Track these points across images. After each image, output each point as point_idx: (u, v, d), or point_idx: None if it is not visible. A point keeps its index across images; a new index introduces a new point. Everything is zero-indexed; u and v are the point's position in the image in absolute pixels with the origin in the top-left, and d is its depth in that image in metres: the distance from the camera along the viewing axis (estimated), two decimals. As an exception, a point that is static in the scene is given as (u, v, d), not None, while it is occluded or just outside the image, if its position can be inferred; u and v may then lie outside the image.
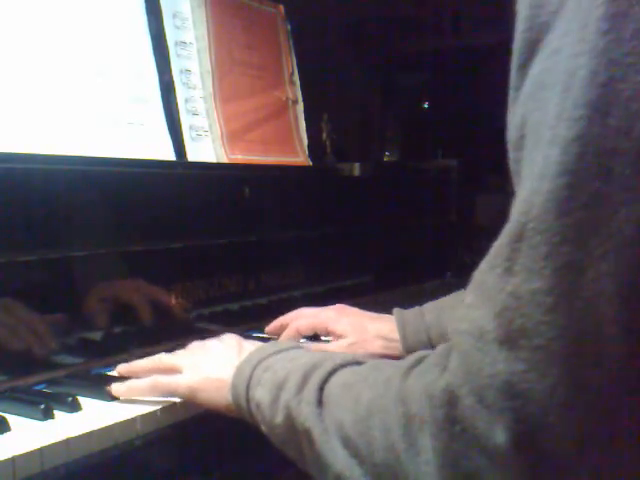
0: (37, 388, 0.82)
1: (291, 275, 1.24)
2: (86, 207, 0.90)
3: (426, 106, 2.90)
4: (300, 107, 1.45)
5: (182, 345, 0.99)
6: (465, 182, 1.74)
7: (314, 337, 1.07)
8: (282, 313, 1.19)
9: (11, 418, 0.70)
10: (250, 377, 0.71)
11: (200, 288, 1.05)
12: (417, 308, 1.02)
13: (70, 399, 0.74)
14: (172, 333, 1.00)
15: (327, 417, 0.62)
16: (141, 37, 1.15)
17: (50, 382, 0.84)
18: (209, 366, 0.77)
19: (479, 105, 2.78)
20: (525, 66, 0.50)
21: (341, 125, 1.74)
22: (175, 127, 1.17)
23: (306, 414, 0.63)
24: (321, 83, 1.91)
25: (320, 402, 0.64)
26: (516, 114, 0.51)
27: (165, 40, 1.19)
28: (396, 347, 0.99)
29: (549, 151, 0.46)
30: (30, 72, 0.97)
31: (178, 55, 1.21)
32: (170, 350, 0.97)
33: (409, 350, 0.97)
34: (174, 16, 1.22)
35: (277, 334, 1.07)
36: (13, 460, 0.62)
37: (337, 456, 0.60)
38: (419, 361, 0.58)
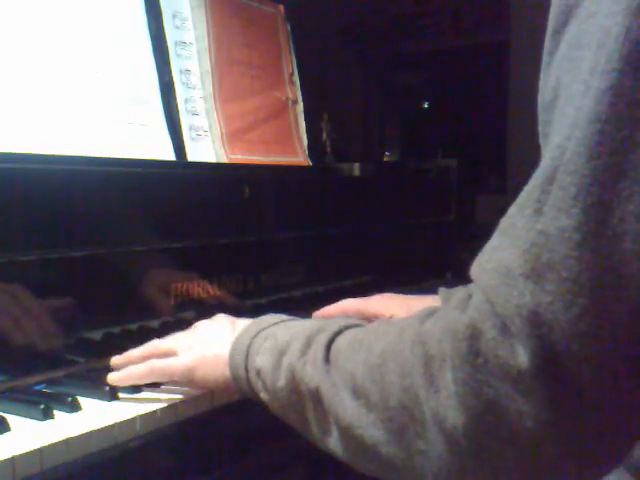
0: (37, 388, 0.82)
1: (291, 275, 1.24)
2: (86, 207, 0.90)
3: (426, 106, 2.91)
4: (300, 107, 1.45)
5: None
6: (465, 182, 1.74)
7: None
8: (282, 313, 1.19)
9: (11, 418, 0.70)
10: (249, 346, 0.72)
11: (200, 288, 1.05)
12: (462, 287, 1.04)
13: (70, 399, 0.74)
14: (172, 333, 1.00)
15: (335, 372, 0.63)
16: (141, 37, 1.15)
17: (50, 382, 0.84)
18: (204, 344, 0.78)
19: (479, 105, 2.78)
20: (560, 31, 0.53)
21: (341, 125, 1.74)
22: (175, 127, 1.17)
23: (312, 373, 0.64)
24: (321, 83, 1.92)
25: (327, 359, 0.64)
26: (550, 76, 0.54)
27: (165, 40, 1.19)
28: None
29: (582, 102, 0.49)
30: (30, 72, 0.97)
31: (178, 55, 1.21)
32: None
33: None
34: (174, 16, 1.22)
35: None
36: (13, 460, 0.62)
37: (346, 407, 0.61)
38: (432, 312, 0.60)
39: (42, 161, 0.93)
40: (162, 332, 0.98)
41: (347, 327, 0.67)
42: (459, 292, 0.58)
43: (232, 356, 0.73)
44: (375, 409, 0.59)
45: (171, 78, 1.19)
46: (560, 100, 0.52)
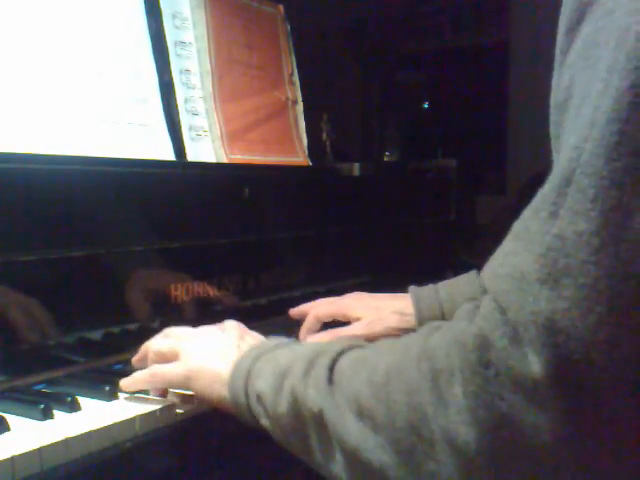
0: (37, 388, 0.82)
1: (291, 275, 1.24)
2: (86, 207, 0.90)
3: (426, 106, 2.90)
4: (300, 107, 1.45)
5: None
6: (465, 182, 1.74)
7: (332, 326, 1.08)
8: (282, 313, 1.19)
9: (10, 418, 0.70)
10: (249, 370, 0.70)
11: (200, 288, 1.05)
12: (431, 285, 1.04)
13: (69, 399, 0.74)
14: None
15: (339, 394, 0.61)
16: (141, 37, 1.15)
17: (50, 382, 0.84)
18: (206, 355, 0.76)
19: (479, 105, 2.78)
20: (574, 29, 0.51)
21: (341, 125, 1.74)
22: (175, 127, 1.17)
23: (314, 396, 0.62)
24: (321, 83, 1.91)
25: (331, 380, 0.62)
26: (564, 76, 0.52)
27: (165, 40, 1.19)
28: (411, 320, 1.01)
29: (600, 101, 0.47)
30: (30, 72, 0.97)
31: (178, 55, 1.21)
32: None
33: (422, 323, 0.98)
34: (174, 16, 1.22)
35: (299, 319, 1.09)
36: (12, 460, 0.62)
37: (350, 430, 0.59)
38: (437, 327, 0.58)
39: (42, 161, 0.92)
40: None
41: (350, 347, 0.65)
42: (465, 304, 0.56)
43: (232, 379, 0.71)
44: (382, 430, 0.56)
45: (171, 78, 1.19)
46: (574, 99, 0.50)
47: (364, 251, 1.42)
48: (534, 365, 0.47)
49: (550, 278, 0.47)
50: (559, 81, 0.53)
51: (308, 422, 0.63)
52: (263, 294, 1.17)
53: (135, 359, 0.84)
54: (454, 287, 1.02)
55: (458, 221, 1.70)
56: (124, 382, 0.79)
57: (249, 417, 0.69)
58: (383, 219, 1.50)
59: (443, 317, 0.99)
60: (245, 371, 0.70)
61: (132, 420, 0.73)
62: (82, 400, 0.76)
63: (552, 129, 0.54)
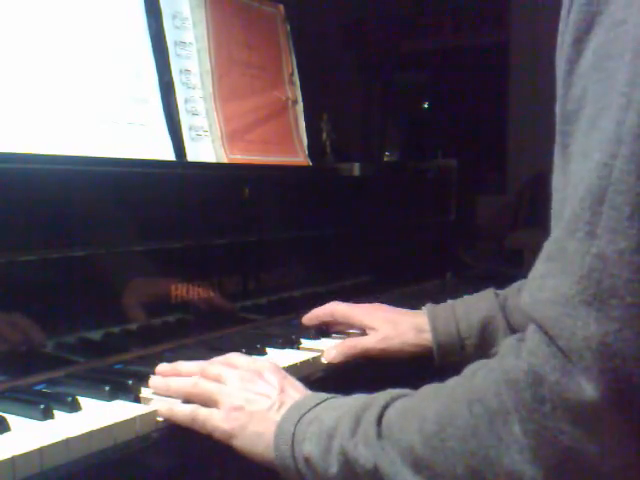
0: (37, 388, 0.82)
1: (291, 275, 1.24)
2: (86, 207, 0.90)
3: (426, 106, 2.90)
4: (300, 107, 1.45)
5: (181, 345, 0.99)
6: (465, 182, 1.74)
7: (324, 333, 1.09)
8: (282, 313, 1.19)
9: (11, 418, 0.70)
10: (294, 434, 0.68)
11: (200, 288, 1.05)
12: (448, 303, 1.04)
13: (70, 399, 0.74)
14: (172, 333, 1.00)
15: (391, 448, 0.60)
16: (141, 37, 1.15)
17: (50, 382, 0.83)
18: (247, 414, 0.73)
19: (479, 105, 2.78)
20: (582, 39, 0.51)
21: (341, 125, 1.74)
22: (175, 127, 1.17)
23: (366, 453, 0.61)
24: (321, 83, 1.91)
25: (380, 435, 0.61)
26: (574, 86, 0.52)
27: (165, 40, 1.19)
28: (428, 338, 1.01)
29: (624, 116, 0.47)
30: (30, 72, 0.97)
31: (178, 55, 1.21)
32: (170, 350, 0.97)
33: (438, 341, 0.99)
34: (174, 16, 1.22)
35: (313, 325, 1.10)
36: (13, 460, 0.62)
37: None
38: (482, 365, 0.57)
39: (42, 161, 0.92)
40: (162, 332, 0.99)
41: (394, 398, 0.65)
42: (507, 338, 0.55)
43: (277, 444, 0.69)
44: None
45: (171, 78, 1.19)
46: (586, 110, 0.50)
47: (364, 251, 1.42)
48: (589, 392, 0.47)
49: (596, 300, 0.47)
50: (568, 91, 0.52)
51: None
52: (263, 294, 1.17)
53: (163, 369, 0.83)
54: (470, 306, 1.01)
55: (458, 221, 1.70)
56: (163, 411, 0.76)
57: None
58: (383, 219, 1.50)
59: (459, 335, 0.98)
60: (289, 435, 0.69)
61: (132, 420, 0.73)
62: (82, 400, 0.76)
63: (559, 138, 0.54)
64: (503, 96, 2.55)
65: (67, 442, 0.66)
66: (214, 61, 1.26)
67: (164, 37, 1.19)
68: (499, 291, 1.02)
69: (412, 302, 1.13)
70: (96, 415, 0.73)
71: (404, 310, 1.08)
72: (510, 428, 0.51)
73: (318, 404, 0.71)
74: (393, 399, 0.65)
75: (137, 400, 0.79)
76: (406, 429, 0.60)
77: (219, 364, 0.82)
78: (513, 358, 0.52)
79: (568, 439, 0.48)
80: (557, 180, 0.56)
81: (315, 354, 0.99)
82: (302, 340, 1.04)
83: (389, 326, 1.02)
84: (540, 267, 0.52)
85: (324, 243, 1.31)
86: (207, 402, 0.77)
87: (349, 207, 1.39)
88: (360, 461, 0.62)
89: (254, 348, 0.97)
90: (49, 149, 0.95)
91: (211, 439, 0.75)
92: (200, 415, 0.75)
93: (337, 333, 1.10)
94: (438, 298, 1.08)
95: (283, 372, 0.81)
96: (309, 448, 0.66)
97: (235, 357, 0.83)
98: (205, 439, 0.76)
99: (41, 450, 0.64)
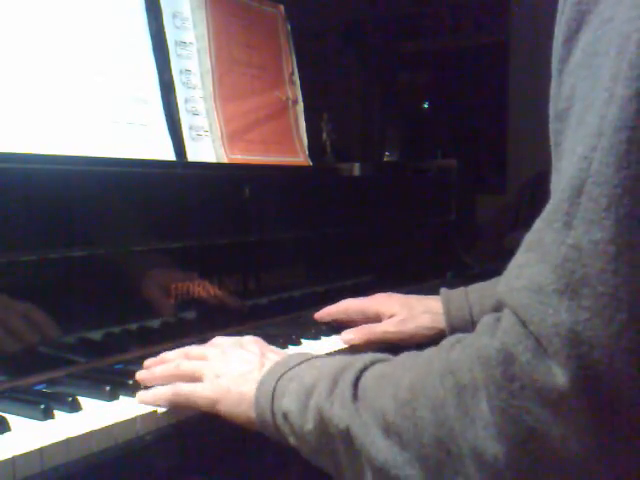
0: (37, 388, 0.82)
1: (291, 275, 1.24)
2: (86, 207, 0.90)
3: (426, 106, 2.91)
4: (300, 107, 1.45)
5: (181, 345, 0.99)
6: (465, 182, 1.74)
7: (326, 332, 1.10)
8: (282, 313, 1.19)
9: (11, 418, 0.70)
10: (274, 389, 0.70)
11: (200, 288, 1.05)
12: (462, 288, 1.07)
13: (70, 399, 0.74)
14: (172, 333, 1.00)
15: (365, 411, 0.61)
16: (141, 37, 1.15)
17: (50, 382, 0.83)
18: (230, 378, 0.75)
19: (479, 105, 2.78)
20: (572, 38, 0.52)
21: (341, 125, 1.74)
22: (175, 127, 1.17)
23: (340, 413, 0.62)
24: (321, 83, 1.92)
25: (355, 397, 0.63)
26: (564, 85, 0.52)
27: (165, 40, 1.19)
28: (442, 321, 1.03)
29: (606, 110, 0.47)
30: (30, 72, 0.97)
31: (178, 55, 1.21)
32: (170, 350, 0.97)
33: (452, 324, 1.02)
34: (174, 16, 1.22)
35: (326, 321, 1.12)
36: (13, 460, 0.62)
37: (379, 448, 0.59)
38: (458, 340, 0.58)
39: (42, 161, 0.93)
40: (162, 332, 0.99)
41: (372, 362, 0.66)
42: (485, 317, 0.56)
43: (257, 399, 0.71)
44: (409, 447, 0.57)
45: (171, 78, 1.19)
46: (575, 108, 0.51)
47: (364, 251, 1.42)
48: (559, 377, 0.47)
49: (569, 289, 0.47)
50: (559, 90, 0.53)
51: (336, 439, 0.63)
52: (263, 294, 1.17)
53: (149, 363, 0.84)
54: (483, 291, 1.03)
55: (458, 221, 1.70)
56: (144, 397, 0.77)
57: (277, 436, 0.70)
58: (383, 219, 1.50)
59: (472, 319, 1.00)
60: (270, 390, 0.70)
61: (133, 420, 0.73)
62: (83, 400, 0.76)
63: (552, 137, 0.54)
64: (503, 96, 2.55)
65: (67, 442, 0.66)
66: (214, 61, 1.26)
67: (164, 37, 1.19)
68: None
69: (412, 302, 1.13)
70: (96, 415, 0.73)
71: (418, 296, 1.10)
72: (477, 403, 0.52)
73: (300, 363, 0.72)
74: (372, 362, 0.66)
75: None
76: (381, 394, 0.61)
77: (202, 346, 0.85)
78: (488, 336, 0.53)
79: (533, 420, 0.49)
80: (554, 180, 0.57)
81: (315, 354, 0.99)
82: (302, 340, 1.04)
83: (405, 310, 1.05)
84: (519, 257, 0.52)
85: (324, 243, 1.31)
86: (192, 380, 0.78)
87: (349, 207, 1.39)
88: (334, 421, 0.63)
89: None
90: (49, 149, 0.95)
91: (211, 434, 0.75)
92: (183, 390, 0.77)
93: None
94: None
95: (264, 342, 0.83)
96: (288, 403, 0.68)
97: (218, 338, 0.86)
98: (205, 440, 0.76)
99: (41, 450, 0.64)
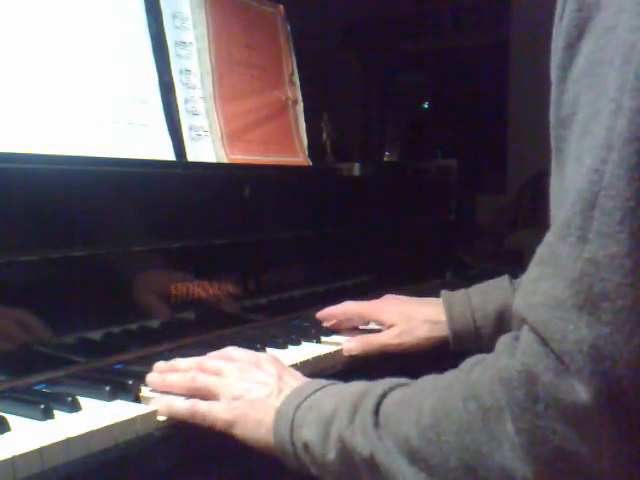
0: (37, 388, 0.82)
1: (291, 275, 1.24)
2: (86, 207, 0.90)
3: (426, 106, 2.91)
4: (300, 107, 1.45)
5: (181, 345, 0.99)
6: (465, 182, 1.74)
7: (330, 332, 1.10)
8: (282, 313, 1.19)
9: (11, 418, 0.70)
10: (293, 419, 0.69)
11: (200, 288, 1.05)
12: (463, 291, 1.05)
13: (70, 399, 0.74)
14: (172, 333, 1.00)
15: (387, 438, 0.61)
16: (141, 37, 1.15)
17: (50, 382, 0.83)
18: (247, 402, 0.74)
19: (479, 105, 2.78)
20: (574, 45, 0.52)
21: (341, 125, 1.74)
22: (175, 127, 1.17)
23: (363, 441, 0.62)
24: (321, 83, 1.92)
25: (377, 424, 0.62)
26: (567, 92, 0.52)
27: (165, 40, 1.19)
28: (442, 329, 1.02)
29: (614, 122, 0.47)
30: (30, 72, 0.97)
31: (178, 55, 1.21)
32: (170, 350, 0.97)
33: (455, 330, 1.00)
34: (174, 16, 1.22)
35: (326, 321, 1.12)
36: (13, 460, 0.62)
37: (405, 474, 0.59)
38: (478, 361, 0.58)
39: (42, 161, 0.92)
40: (162, 332, 0.99)
41: (391, 388, 0.65)
42: (502, 337, 0.55)
43: (276, 429, 0.70)
44: (436, 472, 0.57)
45: (171, 78, 1.19)
46: (579, 116, 0.50)
47: (364, 251, 1.42)
48: (582, 394, 0.47)
49: (587, 303, 0.47)
50: (562, 97, 0.53)
51: (360, 468, 0.63)
52: (263, 294, 1.17)
53: (161, 367, 0.83)
54: (486, 294, 1.02)
55: (458, 221, 1.70)
56: (162, 409, 0.76)
57: (297, 465, 0.69)
58: (383, 219, 1.50)
59: (475, 324, 1.00)
60: (289, 420, 0.69)
61: (133, 420, 0.73)
62: (82, 400, 0.76)
63: (554, 142, 0.54)
64: (503, 96, 2.55)
65: (67, 442, 0.66)
66: (214, 61, 1.26)
67: (164, 37, 1.19)
68: (515, 279, 1.03)
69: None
70: (96, 415, 0.73)
71: (418, 299, 1.09)
72: (503, 426, 0.52)
73: (317, 390, 0.71)
74: (391, 388, 0.65)
75: (137, 400, 0.79)
76: (403, 420, 0.60)
77: (217, 358, 0.83)
78: (507, 356, 0.53)
79: (560, 439, 0.49)
80: (554, 184, 0.57)
81: (315, 354, 0.99)
82: (302, 340, 1.04)
83: (404, 320, 1.04)
84: (533, 271, 0.52)
85: (324, 243, 1.31)
86: (206, 395, 0.77)
87: (349, 207, 1.39)
88: (357, 449, 0.62)
89: (254, 348, 0.96)
90: (49, 149, 0.95)
91: (211, 434, 0.75)
92: (200, 408, 0.76)
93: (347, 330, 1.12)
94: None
95: (281, 362, 0.82)
96: (308, 434, 0.67)
97: (233, 350, 0.84)
98: (205, 439, 0.76)
99: (41, 450, 0.64)
